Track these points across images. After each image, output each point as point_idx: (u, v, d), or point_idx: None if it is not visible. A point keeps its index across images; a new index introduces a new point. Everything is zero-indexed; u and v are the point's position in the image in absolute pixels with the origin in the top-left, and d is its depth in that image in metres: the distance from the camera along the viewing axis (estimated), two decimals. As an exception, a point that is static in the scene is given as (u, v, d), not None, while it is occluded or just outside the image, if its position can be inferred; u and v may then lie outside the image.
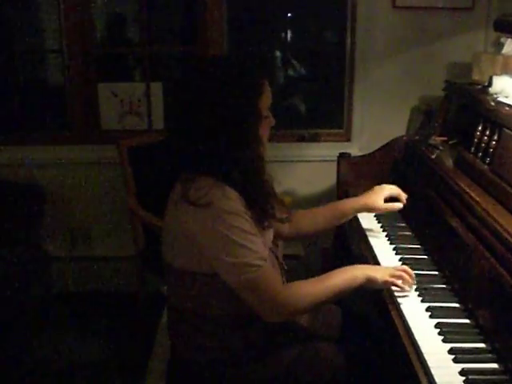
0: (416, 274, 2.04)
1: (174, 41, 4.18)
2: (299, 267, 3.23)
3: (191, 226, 1.69)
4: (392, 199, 2.34)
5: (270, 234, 1.92)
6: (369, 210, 2.32)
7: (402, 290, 1.91)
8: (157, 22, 4.05)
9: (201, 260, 1.72)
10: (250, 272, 1.67)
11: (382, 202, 2.28)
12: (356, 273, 1.88)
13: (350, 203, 2.31)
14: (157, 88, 3.67)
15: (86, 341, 3.27)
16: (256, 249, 1.69)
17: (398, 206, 2.33)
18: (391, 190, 2.34)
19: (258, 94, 1.74)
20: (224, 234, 1.66)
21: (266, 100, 1.77)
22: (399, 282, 1.90)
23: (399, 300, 1.91)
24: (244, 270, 1.67)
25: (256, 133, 1.74)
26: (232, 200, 1.68)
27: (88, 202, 3.65)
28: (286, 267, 2.00)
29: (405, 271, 1.93)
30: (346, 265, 1.93)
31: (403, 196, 2.34)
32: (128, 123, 3.70)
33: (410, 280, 1.92)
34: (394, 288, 1.92)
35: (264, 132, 1.80)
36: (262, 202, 1.77)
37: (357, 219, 2.57)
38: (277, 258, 1.96)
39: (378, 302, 2.00)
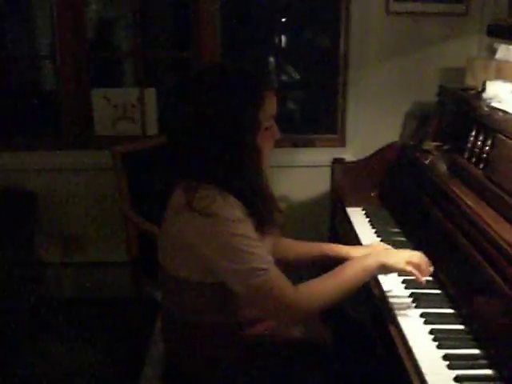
0: (409, 281, 2.05)
1: (168, 46, 4.18)
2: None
3: (194, 235, 1.68)
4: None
5: (269, 243, 1.91)
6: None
7: (418, 280, 1.87)
8: (150, 27, 4.05)
9: (202, 269, 1.71)
10: (258, 276, 1.66)
11: None
12: (368, 262, 1.85)
13: (341, 253, 2.09)
14: (150, 93, 3.66)
15: (81, 347, 3.25)
16: (261, 253, 1.69)
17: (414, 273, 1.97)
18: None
19: (257, 106, 1.71)
20: (228, 242, 1.65)
21: (268, 111, 1.75)
22: (416, 272, 1.86)
23: (393, 306, 1.90)
24: (252, 275, 1.66)
25: (254, 143, 1.72)
26: (234, 208, 1.68)
27: (82, 207, 3.64)
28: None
29: (421, 259, 1.90)
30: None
31: (424, 264, 2.00)
32: (121, 129, 3.68)
33: (427, 269, 1.90)
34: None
35: (265, 143, 1.76)
36: (261, 210, 1.76)
37: (351, 224, 2.58)
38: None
39: (372, 308, 1.99)
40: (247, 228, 1.69)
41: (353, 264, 1.87)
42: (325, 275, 1.83)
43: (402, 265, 1.85)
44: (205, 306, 1.77)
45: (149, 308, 2.59)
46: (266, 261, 1.69)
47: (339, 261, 2.05)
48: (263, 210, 1.77)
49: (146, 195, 3.04)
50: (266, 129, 1.76)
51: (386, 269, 1.86)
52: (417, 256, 1.91)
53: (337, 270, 1.85)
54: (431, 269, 1.92)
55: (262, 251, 1.69)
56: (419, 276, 1.87)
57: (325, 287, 1.79)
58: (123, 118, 3.68)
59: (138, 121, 3.68)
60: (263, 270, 1.67)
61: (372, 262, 1.85)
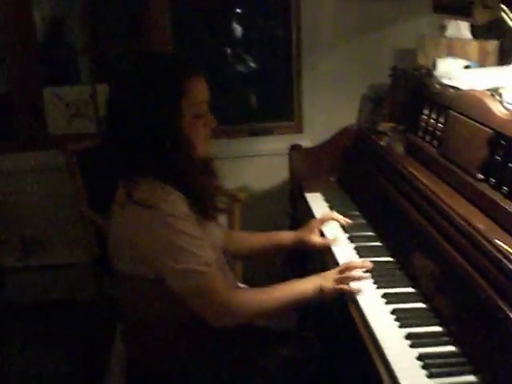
0: (371, 262, 2.04)
1: (120, 41, 4.11)
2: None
3: (134, 228, 1.65)
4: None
5: (217, 231, 1.88)
6: (306, 245, 2.19)
7: (352, 291, 1.84)
8: (101, 24, 3.98)
9: (145, 264, 1.68)
10: (194, 278, 1.64)
11: (318, 237, 2.18)
12: (308, 286, 1.84)
13: (288, 236, 2.20)
14: (103, 90, 3.60)
15: (44, 351, 3.20)
16: (201, 253, 1.66)
17: (334, 240, 2.18)
18: (323, 219, 2.25)
19: (178, 94, 1.67)
20: (168, 238, 1.62)
21: (193, 99, 1.71)
22: (346, 287, 1.84)
23: (355, 287, 1.89)
24: (188, 276, 1.64)
25: (182, 133, 1.69)
26: (175, 202, 1.65)
27: (39, 209, 3.58)
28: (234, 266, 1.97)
29: (348, 268, 1.89)
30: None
31: (339, 218, 2.25)
32: (76, 127, 3.63)
33: (357, 275, 1.88)
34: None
35: (196, 131, 1.73)
36: (201, 201, 1.73)
37: (310, 209, 2.57)
38: (228, 261, 1.93)
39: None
40: (189, 224, 1.66)
41: (294, 285, 1.85)
42: (267, 288, 1.83)
43: (331, 285, 1.83)
44: (157, 302, 1.74)
45: (113, 308, 2.55)
46: (204, 262, 1.66)
47: (293, 248, 2.14)
48: (203, 200, 1.74)
49: (103, 193, 2.99)
50: (196, 117, 1.72)
51: (324, 292, 1.83)
52: (343, 268, 1.90)
53: (279, 286, 1.84)
54: (369, 264, 1.91)
55: (202, 251, 1.67)
56: (351, 289, 1.83)
57: (262, 300, 1.79)
58: (77, 116, 3.63)
59: (91, 118, 3.62)
60: (200, 272, 1.64)
61: (311, 286, 1.83)
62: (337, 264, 2.05)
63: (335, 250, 2.16)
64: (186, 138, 1.70)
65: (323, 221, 2.24)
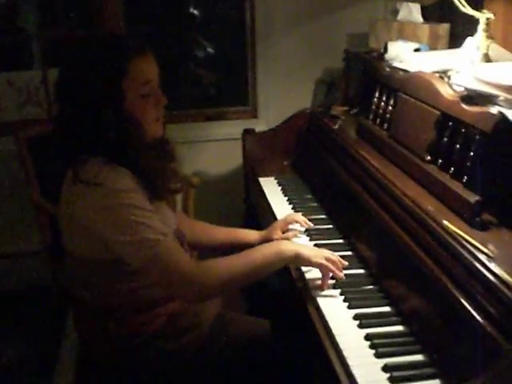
0: (322, 245, 2.05)
1: (71, 25, 4.03)
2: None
3: (82, 207, 1.63)
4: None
5: (170, 213, 1.87)
6: (268, 242, 2.10)
7: (336, 275, 1.81)
8: (52, 7, 3.90)
9: (97, 245, 1.65)
10: (150, 247, 1.60)
11: (279, 233, 2.16)
12: (282, 247, 1.81)
13: (253, 236, 2.18)
14: (55, 75, 3.52)
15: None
16: (153, 225, 1.63)
17: (293, 234, 2.16)
18: (286, 221, 2.21)
19: (119, 74, 1.65)
20: (117, 212, 1.60)
21: (137, 79, 1.68)
22: (333, 268, 1.81)
23: (303, 269, 1.89)
24: (143, 246, 1.60)
25: (127, 114, 1.66)
26: (123, 178, 1.63)
27: (-10, 197, 3.50)
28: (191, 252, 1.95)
29: (338, 260, 1.87)
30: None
31: (300, 220, 2.21)
32: (27, 113, 3.55)
33: (340, 272, 1.84)
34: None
35: (142, 111, 1.70)
36: (151, 181, 1.70)
37: (263, 193, 2.57)
38: (182, 244, 1.91)
39: (284, 275, 1.97)
40: (137, 197, 1.63)
41: (266, 248, 1.83)
42: (235, 255, 1.79)
43: (319, 259, 1.80)
44: (110, 284, 1.72)
45: (66, 296, 2.52)
46: (158, 232, 1.63)
47: (247, 246, 2.06)
48: (153, 180, 1.71)
49: (54, 180, 2.95)
50: (143, 97, 1.70)
51: (301, 259, 1.81)
52: (335, 256, 1.87)
53: (249, 250, 1.82)
54: (345, 263, 1.88)
55: (153, 222, 1.64)
56: (336, 271, 1.81)
57: (230, 265, 1.74)
58: (28, 102, 3.55)
59: (43, 103, 3.55)
60: (155, 240, 1.61)
61: (287, 249, 1.81)
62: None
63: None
64: (133, 118, 1.68)
65: (287, 222, 2.20)
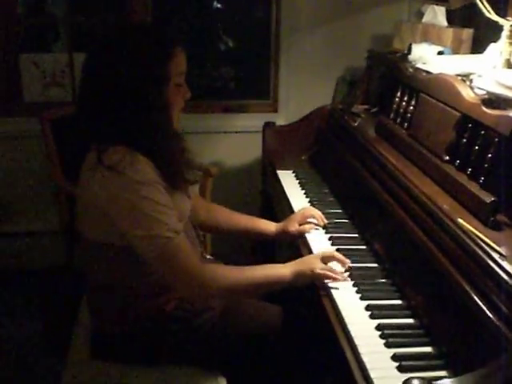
0: (338, 237, 2.10)
1: (98, 10, 4.09)
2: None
3: (101, 192, 1.65)
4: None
5: (186, 202, 1.90)
6: (284, 233, 2.20)
7: (334, 280, 1.84)
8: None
9: (112, 231, 1.69)
10: (160, 244, 1.64)
11: (296, 226, 2.18)
12: (283, 271, 1.85)
13: (271, 228, 2.21)
14: (80, 59, 3.57)
15: (11, 318, 3.20)
16: (167, 221, 1.66)
17: (310, 227, 2.19)
18: (303, 214, 2.24)
19: (167, 58, 1.70)
20: (134, 204, 1.62)
21: (178, 67, 1.73)
22: (331, 274, 1.84)
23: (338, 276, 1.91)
24: (154, 242, 1.64)
25: (163, 97, 1.71)
26: (144, 169, 1.65)
27: (11, 176, 3.55)
28: (202, 238, 1.98)
29: (334, 257, 1.91)
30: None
31: (317, 215, 2.23)
32: (51, 95, 3.61)
33: (341, 267, 1.89)
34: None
35: (175, 100, 1.76)
36: (172, 170, 1.74)
37: (281, 186, 2.60)
38: (195, 228, 1.94)
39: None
40: (156, 192, 1.66)
41: (268, 269, 1.88)
42: (240, 267, 1.85)
43: (316, 270, 1.84)
44: (122, 269, 1.76)
45: (82, 276, 2.57)
46: (171, 229, 1.66)
47: (273, 239, 2.18)
48: (174, 170, 1.75)
49: (77, 162, 3.00)
50: (177, 86, 1.75)
51: (301, 276, 1.84)
52: (330, 255, 1.91)
53: (252, 267, 1.86)
54: (348, 261, 1.91)
55: (168, 219, 1.67)
56: (336, 277, 1.84)
57: (232, 275, 1.80)
58: (53, 84, 3.61)
59: (68, 87, 3.61)
60: (167, 238, 1.65)
61: (287, 271, 1.85)
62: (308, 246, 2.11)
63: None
64: (168, 105, 1.73)
65: (305, 216, 2.23)
